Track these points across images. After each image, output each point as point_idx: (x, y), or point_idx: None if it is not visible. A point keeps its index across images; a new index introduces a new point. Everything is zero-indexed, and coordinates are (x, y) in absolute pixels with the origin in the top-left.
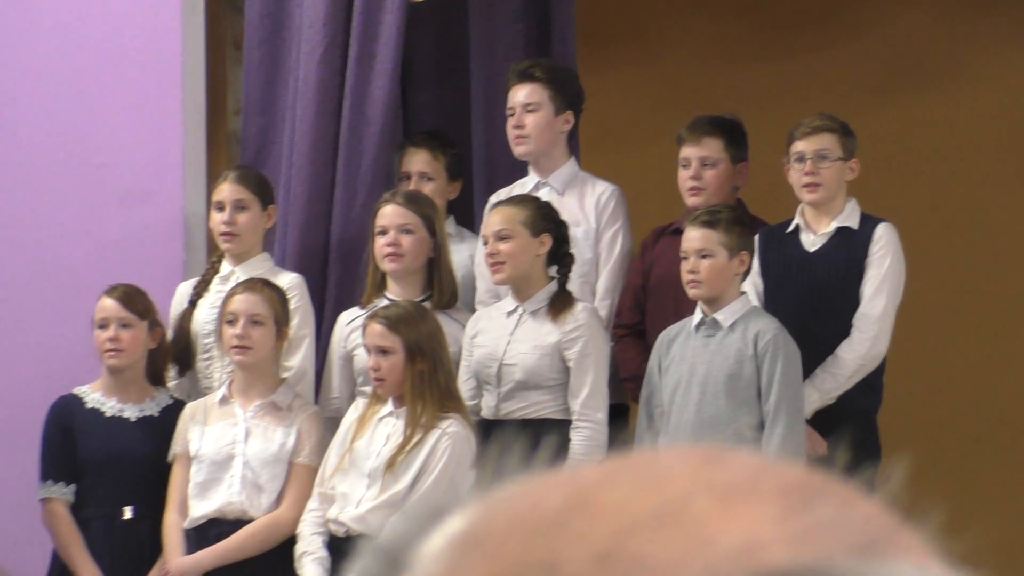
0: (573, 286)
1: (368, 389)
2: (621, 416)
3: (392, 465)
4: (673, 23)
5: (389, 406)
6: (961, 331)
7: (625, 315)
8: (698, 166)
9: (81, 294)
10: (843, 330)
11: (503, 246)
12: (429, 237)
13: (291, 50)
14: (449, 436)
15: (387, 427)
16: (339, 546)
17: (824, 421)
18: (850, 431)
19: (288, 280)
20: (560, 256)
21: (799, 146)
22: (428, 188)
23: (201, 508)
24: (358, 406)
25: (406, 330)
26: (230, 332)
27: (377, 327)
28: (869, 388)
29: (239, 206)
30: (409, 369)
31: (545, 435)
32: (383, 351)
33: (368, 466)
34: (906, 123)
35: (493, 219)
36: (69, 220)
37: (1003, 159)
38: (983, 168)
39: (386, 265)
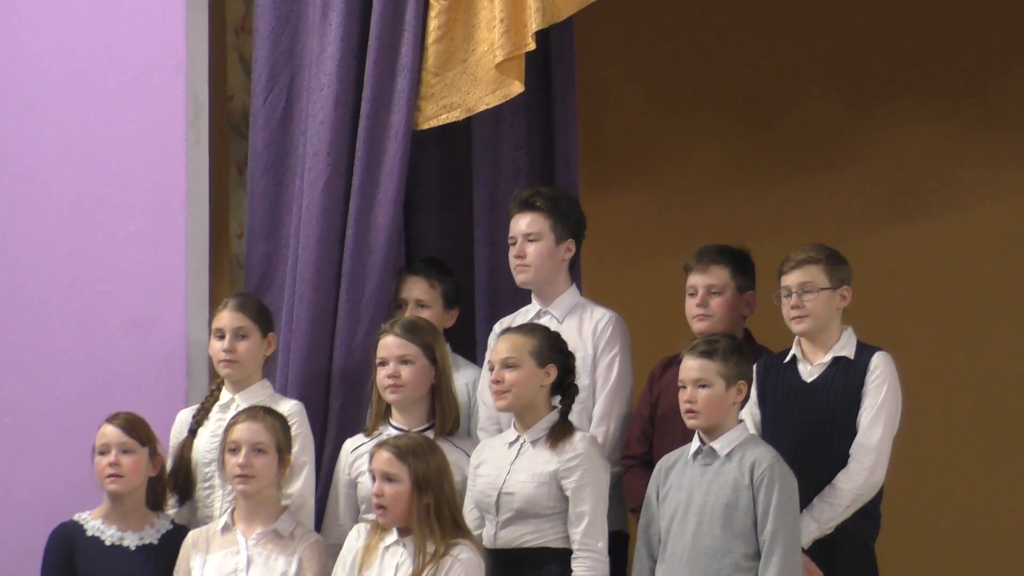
0: (572, 413)
1: (372, 516)
2: (620, 544)
3: None
4: (675, 146)
5: (394, 535)
6: (959, 460)
7: (633, 446)
8: (705, 294)
9: (82, 420)
10: (841, 460)
11: (508, 374)
12: (430, 365)
13: (295, 178)
14: (461, 562)
15: (395, 556)
16: None
17: (823, 550)
18: (849, 560)
19: (288, 407)
20: (565, 387)
21: (785, 280)
22: (425, 315)
23: None
24: (360, 533)
25: (415, 461)
26: (233, 461)
27: (385, 454)
28: (867, 517)
29: (239, 334)
30: (416, 501)
31: (545, 565)
32: (389, 479)
33: None
34: (903, 247)
35: (500, 346)
36: (71, 347)
37: (1002, 284)
38: (982, 294)
39: (388, 396)
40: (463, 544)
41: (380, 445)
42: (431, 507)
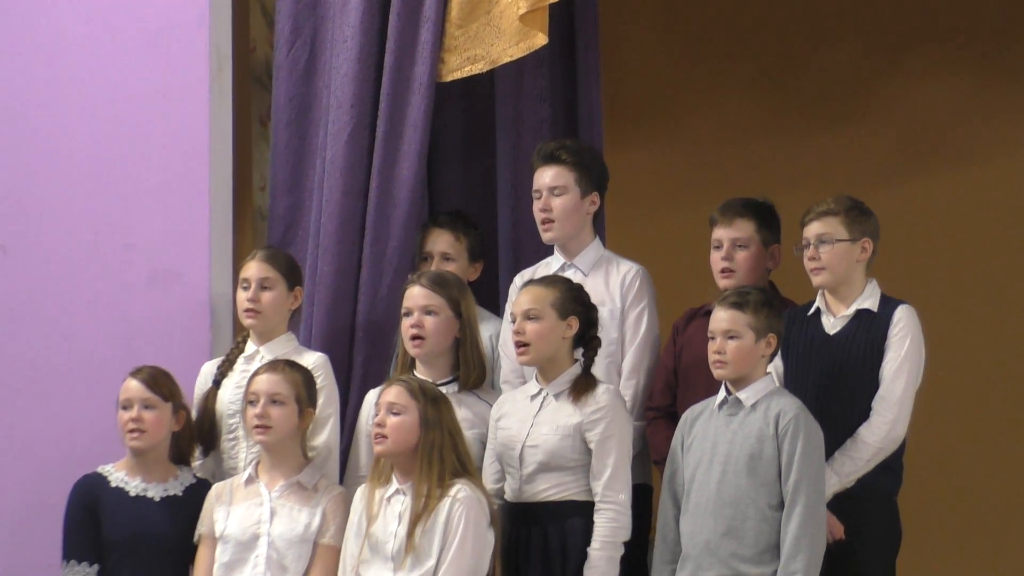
0: (599, 366)
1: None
2: (644, 496)
3: (412, 544)
4: (698, 100)
5: (393, 484)
6: (980, 414)
7: (657, 397)
8: (730, 247)
9: (106, 374)
10: (863, 412)
11: (530, 326)
12: (455, 318)
13: (318, 130)
14: (460, 501)
15: (397, 505)
16: None
17: (844, 504)
18: (871, 514)
19: (312, 359)
20: (587, 339)
21: (805, 232)
22: (450, 268)
23: None
24: (362, 494)
25: (424, 399)
26: (251, 412)
27: (395, 388)
28: (889, 470)
29: (264, 285)
30: (422, 439)
31: (568, 518)
32: (394, 412)
33: (390, 550)
34: (927, 200)
35: (522, 298)
36: (96, 300)
37: None
38: (1005, 247)
39: (411, 350)
40: (460, 483)
41: (391, 382)
42: (434, 447)
